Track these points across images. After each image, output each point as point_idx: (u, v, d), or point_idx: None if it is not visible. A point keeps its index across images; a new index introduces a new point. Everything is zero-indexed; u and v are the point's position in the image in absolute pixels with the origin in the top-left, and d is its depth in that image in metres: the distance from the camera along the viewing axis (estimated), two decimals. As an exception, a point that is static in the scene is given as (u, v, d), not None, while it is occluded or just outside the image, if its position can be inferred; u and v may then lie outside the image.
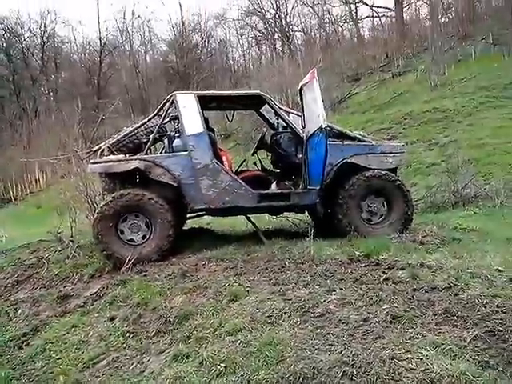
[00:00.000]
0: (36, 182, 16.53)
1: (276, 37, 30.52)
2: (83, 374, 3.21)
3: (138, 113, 22.73)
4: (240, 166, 6.37)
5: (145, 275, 4.55)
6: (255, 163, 6.30)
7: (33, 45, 27.31)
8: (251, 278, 4.03)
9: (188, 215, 5.80)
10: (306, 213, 6.10)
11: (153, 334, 3.52)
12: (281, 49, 29.41)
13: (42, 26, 26.76)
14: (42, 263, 5.41)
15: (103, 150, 5.53)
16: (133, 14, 28.14)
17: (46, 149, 15.90)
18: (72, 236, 6.25)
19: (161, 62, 29.52)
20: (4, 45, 25.82)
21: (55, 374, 3.27)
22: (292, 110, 6.48)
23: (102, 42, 26.67)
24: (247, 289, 3.81)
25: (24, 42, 26.59)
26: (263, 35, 31.16)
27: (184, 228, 6.16)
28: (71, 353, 3.51)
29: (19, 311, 4.52)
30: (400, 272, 3.69)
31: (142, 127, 5.73)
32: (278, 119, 6.04)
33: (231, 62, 31.80)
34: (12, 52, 26.03)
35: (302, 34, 29.87)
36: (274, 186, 5.67)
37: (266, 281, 3.94)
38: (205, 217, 6.01)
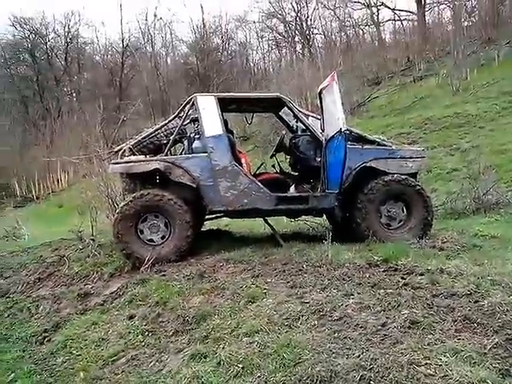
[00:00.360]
0: (58, 182, 16.83)
1: (296, 40, 30.55)
2: (103, 371, 3.26)
3: (158, 114, 22.97)
4: (258, 168, 6.39)
5: (163, 275, 4.60)
6: (274, 166, 6.31)
7: (57, 46, 27.85)
8: (268, 280, 4.05)
9: (206, 217, 5.85)
10: (324, 216, 6.09)
11: (171, 333, 3.56)
12: (301, 52, 29.41)
13: (66, 28, 27.29)
14: (63, 261, 5.52)
15: (124, 151, 5.62)
16: (155, 15, 28.47)
17: (69, 149, 16.18)
18: (93, 235, 6.36)
19: (181, 63, 29.77)
20: (29, 46, 26.38)
21: (76, 370, 3.33)
22: (311, 113, 6.48)
23: (124, 43, 27.04)
24: (264, 291, 3.83)
25: (48, 43, 27.12)
26: (283, 38, 31.20)
27: (202, 229, 6.21)
28: (91, 350, 3.57)
29: (41, 308, 4.62)
30: (419, 278, 3.66)
31: (163, 128, 5.80)
32: (297, 122, 6.05)
33: (251, 65, 31.92)
34: (36, 53, 26.56)
35: (323, 36, 29.84)
36: (292, 188, 5.67)
37: (284, 283, 3.95)
38: (223, 218, 6.05)
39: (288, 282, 3.94)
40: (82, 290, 4.76)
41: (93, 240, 6.07)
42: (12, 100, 23.93)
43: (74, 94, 27.95)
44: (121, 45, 27.25)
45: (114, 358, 3.40)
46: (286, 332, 3.12)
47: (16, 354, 3.76)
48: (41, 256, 5.84)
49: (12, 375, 3.38)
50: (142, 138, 5.74)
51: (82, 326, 3.97)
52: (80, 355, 3.53)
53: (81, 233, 6.31)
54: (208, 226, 6.36)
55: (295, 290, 3.73)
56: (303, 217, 6.19)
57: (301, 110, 6.27)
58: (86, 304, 4.45)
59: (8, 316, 4.59)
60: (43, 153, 17.90)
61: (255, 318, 3.37)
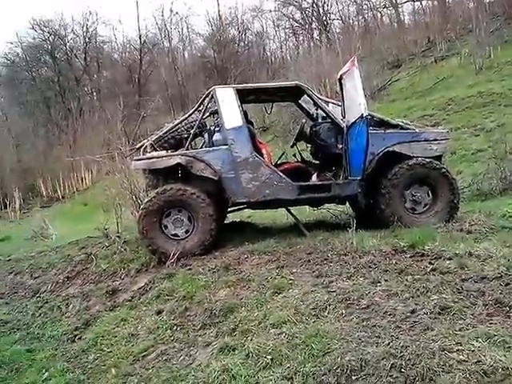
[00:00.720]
0: (82, 180, 17.10)
1: (313, 26, 30.11)
2: (134, 367, 3.31)
3: (177, 109, 23.05)
4: (279, 158, 6.35)
5: (189, 269, 4.63)
6: (295, 155, 6.26)
7: (76, 46, 28.13)
8: (294, 271, 4.03)
9: (229, 209, 5.85)
10: (347, 204, 6.02)
11: (199, 326, 3.58)
12: (318, 38, 28.99)
13: (84, 27, 27.53)
14: (90, 259, 5.61)
15: (146, 147, 5.66)
16: (171, 10, 28.43)
17: (91, 147, 16.41)
18: (118, 232, 6.45)
19: (199, 57, 29.75)
20: (49, 47, 26.75)
21: (107, 367, 3.39)
22: (331, 100, 6.39)
23: (142, 40, 27.16)
24: (290, 281, 3.81)
25: (68, 44, 27.45)
26: (300, 25, 30.80)
27: (225, 222, 6.21)
28: (122, 346, 3.63)
29: (71, 306, 4.71)
30: (447, 262, 3.58)
31: (183, 123, 5.81)
32: (317, 110, 5.96)
33: (268, 54, 31.65)
34: (57, 54, 26.92)
35: (340, 21, 29.31)
36: (314, 177, 5.61)
37: (309, 273, 3.92)
38: (245, 210, 6.05)
39: (313, 272, 3.91)
40: (110, 286, 4.83)
41: (118, 237, 6.15)
42: (34, 102, 24.40)
43: (95, 93, 28.28)
44: (138, 42, 27.41)
45: (144, 353, 3.45)
46: (313, 322, 3.10)
47: (49, 352, 3.84)
48: (68, 255, 5.96)
49: (46, 374, 3.46)
50: (163, 134, 5.76)
51: (111, 322, 4.03)
52: (111, 352, 3.59)
53: (106, 230, 6.40)
54: (231, 218, 6.36)
55: (321, 280, 3.70)
56: (326, 205, 6.14)
57: (320, 97, 6.19)
58: (115, 300, 4.52)
59: (39, 315, 4.69)
60: (67, 152, 18.20)
61: (282, 309, 3.35)
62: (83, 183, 17.03)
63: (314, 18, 29.78)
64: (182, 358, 3.27)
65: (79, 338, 4.00)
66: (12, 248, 7.46)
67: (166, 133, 5.76)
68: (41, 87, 25.31)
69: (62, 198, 15.98)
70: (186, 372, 3.07)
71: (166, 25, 28.48)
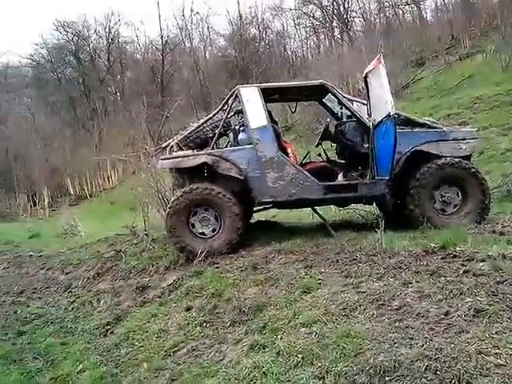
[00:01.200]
0: (108, 179, 17.39)
1: (334, 24, 29.88)
2: (165, 361, 3.37)
3: (199, 108, 23.19)
4: (304, 157, 6.35)
5: (217, 267, 4.68)
6: (320, 154, 6.25)
7: (99, 47, 28.57)
8: (322, 271, 4.03)
9: (254, 208, 5.88)
10: (374, 204, 5.98)
11: (228, 324, 3.62)
12: (340, 36, 28.78)
13: (107, 28, 27.93)
14: (119, 256, 5.72)
15: (172, 146, 5.73)
16: (191, 10, 28.58)
17: (117, 147, 16.68)
18: (145, 230, 6.55)
19: (220, 57, 29.87)
20: (73, 48, 27.23)
21: (139, 361, 3.46)
22: (356, 98, 6.36)
23: (164, 40, 27.40)
24: (319, 281, 3.81)
25: (91, 45, 27.90)
26: (321, 23, 30.62)
27: (251, 221, 6.24)
28: (152, 341, 3.70)
29: (102, 301, 4.82)
30: (480, 264, 3.52)
31: (208, 122, 5.86)
32: (341, 108, 5.95)
33: (289, 53, 31.55)
34: (81, 55, 27.39)
35: (362, 19, 29.03)
36: (340, 177, 5.60)
37: (338, 273, 3.92)
38: (270, 210, 6.07)
39: (342, 272, 3.91)
40: (139, 283, 4.92)
41: (146, 235, 6.25)
42: (60, 102, 24.90)
43: (118, 93, 28.67)
44: (160, 42, 27.68)
45: (175, 348, 3.51)
46: (344, 322, 3.10)
47: (82, 345, 3.94)
48: (98, 251, 6.09)
49: (80, 366, 3.55)
50: (189, 133, 5.83)
51: (142, 318, 4.11)
52: (142, 346, 3.66)
53: (134, 228, 6.51)
54: (256, 217, 6.39)
55: (350, 280, 3.69)
56: (352, 205, 6.12)
57: (345, 95, 6.17)
58: (145, 297, 4.60)
59: (72, 310, 4.82)
60: (93, 152, 18.54)
61: (311, 309, 3.36)
62: (109, 182, 17.31)
63: (334, 16, 29.55)
64: (212, 354, 3.31)
65: (111, 333, 4.10)
66: (42, 244, 7.66)
67: (191, 132, 5.83)
68: (66, 88, 25.80)
69: (89, 196, 16.28)
70: (217, 368, 3.11)
71: (186, 25, 28.68)
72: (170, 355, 3.45)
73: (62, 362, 3.70)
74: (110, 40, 28.21)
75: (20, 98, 26.51)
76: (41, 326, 4.52)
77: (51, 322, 4.58)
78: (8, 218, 13.38)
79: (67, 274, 5.86)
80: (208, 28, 30.85)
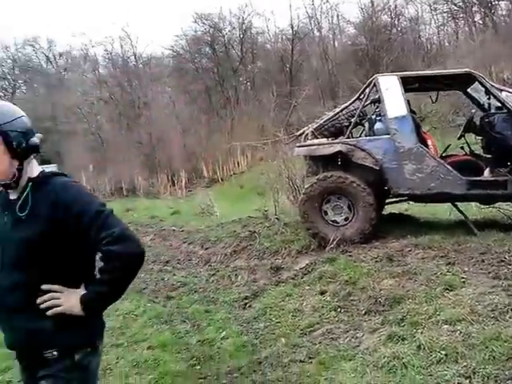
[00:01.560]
0: (238, 165, 18.29)
1: (475, 9, 27.30)
2: (302, 339, 3.52)
3: (327, 98, 23.10)
4: (445, 150, 6.02)
5: (350, 255, 4.71)
6: (462, 147, 5.87)
7: (233, 38, 29.84)
8: (466, 269, 3.84)
9: (387, 200, 5.77)
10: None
11: (363, 312, 3.65)
12: (481, 22, 26.23)
13: (241, 19, 29.02)
14: (254, 237, 6.04)
15: (307, 135, 5.86)
16: (321, -1, 28.38)
17: (246, 134, 17.42)
18: (276, 214, 6.81)
19: (349, 45, 29.25)
20: (209, 39, 28.85)
21: (276, 336, 3.65)
22: (506, 88, 5.83)
23: (293, 30, 27.66)
24: (463, 279, 3.65)
25: (226, 36, 29.25)
26: (460, 9, 28.21)
27: (383, 213, 6.13)
28: (288, 319, 3.87)
29: (239, 277, 5.16)
30: None
31: (344, 111, 5.87)
32: (489, 99, 5.51)
33: (423, 40, 29.68)
34: (215, 45, 28.92)
35: (508, 2, 26.07)
36: (486, 172, 5.21)
37: (484, 273, 3.71)
38: (403, 203, 5.90)
39: (489, 273, 3.69)
40: (273, 263, 5.17)
41: (277, 219, 6.51)
42: (197, 91, 26.67)
43: (249, 83, 29.75)
44: (290, 32, 27.99)
45: (311, 328, 3.64)
46: (492, 324, 2.95)
47: (224, 315, 4.27)
48: (234, 231, 6.49)
49: (223, 333, 3.87)
50: (324, 122, 5.90)
51: (277, 296, 4.32)
52: (279, 322, 3.86)
53: (266, 212, 6.80)
54: (388, 209, 6.25)
55: (499, 282, 3.48)
56: (497, 204, 5.66)
57: (494, 84, 5.69)
58: (279, 277, 4.81)
59: (212, 282, 5.24)
60: (225, 138, 19.63)
61: (455, 307, 3.24)
62: (239, 167, 18.19)
63: (475, 1, 26.97)
64: (348, 339, 3.38)
65: (249, 306, 4.37)
66: (183, 221, 8.40)
67: (326, 121, 5.89)
68: (202, 77, 27.47)
69: (221, 180, 17.29)
70: (354, 353, 3.16)
71: (316, 14, 28.55)
72: (305, 334, 3.59)
73: (206, 328, 4.04)
74: (243, 31, 29.31)
75: (162, 87, 28.95)
76: (186, 293, 4.99)
77: (195, 291, 5.03)
78: (151, 196, 14.83)
79: (206, 249, 6.36)
80: (338, 16, 30.39)
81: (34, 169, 1.73)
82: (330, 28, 30.79)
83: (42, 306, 1.62)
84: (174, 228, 7.89)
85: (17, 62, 28.97)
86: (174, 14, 45.43)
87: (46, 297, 1.62)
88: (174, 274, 5.72)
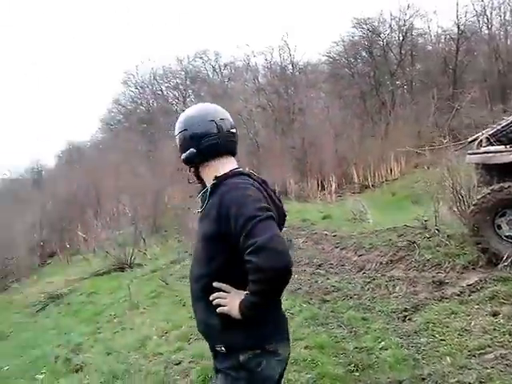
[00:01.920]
0: (391, 171, 17.59)
1: None
2: (469, 361, 3.25)
3: (495, 101, 20.91)
4: None
5: (527, 276, 4.20)
6: None
7: (392, 41, 28.81)
8: None
9: None
10: None
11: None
12: None
13: (401, 22, 27.85)
14: (412, 247, 5.75)
15: (481, 141, 5.41)
16: (490, -6, 25.69)
17: (402, 139, 16.67)
18: (436, 225, 6.38)
19: (526, 42, 25.99)
20: (367, 43, 28.32)
21: (441, 354, 3.43)
22: None
23: (460, 28, 25.57)
24: None
25: (385, 39, 28.38)
26: None
27: None
28: (454, 337, 3.61)
29: (397, 288, 4.96)
30: None
31: (525, 117, 5.27)
32: None
33: None
34: (373, 49, 28.26)
35: None
36: None
37: None
38: None
39: None
40: (435, 277, 4.86)
41: (438, 230, 6.09)
42: (352, 96, 26.41)
43: (406, 86, 28.43)
44: (454, 31, 25.94)
45: (481, 351, 3.34)
46: None
47: (381, 325, 4.15)
48: (390, 239, 6.27)
49: (382, 343, 3.76)
50: (502, 127, 5.39)
51: (441, 312, 4.06)
52: (443, 340, 3.62)
53: (426, 222, 6.42)
54: None
55: None
56: None
57: None
58: (442, 292, 4.51)
59: (368, 290, 5.14)
60: (378, 144, 19.06)
61: None
62: (392, 174, 17.49)
63: None
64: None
65: (409, 319, 4.17)
66: (334, 226, 8.38)
67: (505, 126, 5.36)
68: (358, 82, 27.10)
69: (372, 186, 16.82)
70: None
71: (485, 10, 25.95)
72: (474, 356, 3.31)
73: (363, 336, 3.98)
74: (403, 33, 28.12)
75: (317, 92, 29.36)
76: (341, 298, 4.99)
77: (350, 297, 4.99)
78: (301, 199, 15.12)
79: (360, 256, 6.25)
80: (510, 11, 27.21)
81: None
82: (502, 25, 27.81)
83: (213, 303, 1.70)
84: (326, 232, 7.93)
85: (188, 74, 32.16)
86: (332, 20, 45.77)
87: (215, 295, 1.70)
88: (328, 278, 5.76)
